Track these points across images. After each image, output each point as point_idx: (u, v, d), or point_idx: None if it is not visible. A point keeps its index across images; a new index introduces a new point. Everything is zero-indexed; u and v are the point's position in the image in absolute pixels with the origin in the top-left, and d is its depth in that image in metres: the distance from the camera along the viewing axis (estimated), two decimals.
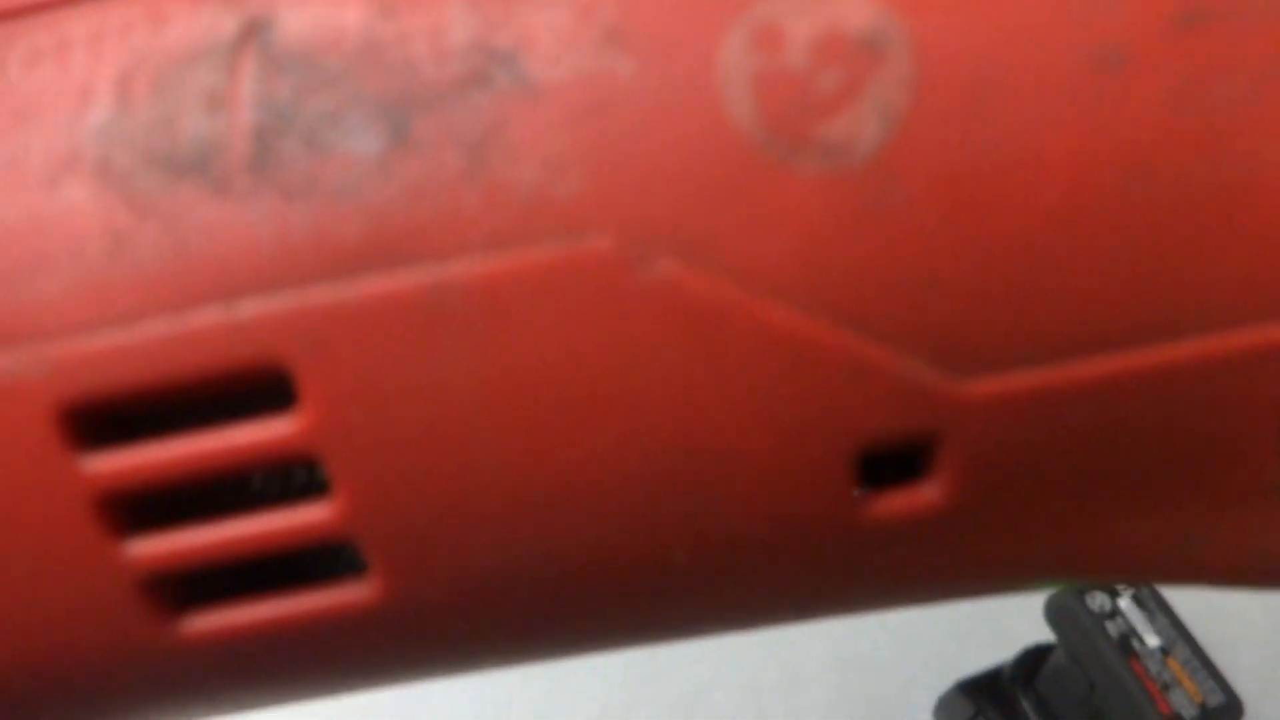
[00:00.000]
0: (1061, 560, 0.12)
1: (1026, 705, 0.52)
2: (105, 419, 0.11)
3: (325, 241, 0.10)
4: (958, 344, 0.10)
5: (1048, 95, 0.10)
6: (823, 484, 0.11)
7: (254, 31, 0.11)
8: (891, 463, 0.11)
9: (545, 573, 0.11)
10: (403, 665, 0.13)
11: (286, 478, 0.12)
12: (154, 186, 0.10)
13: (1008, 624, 0.57)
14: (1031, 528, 0.12)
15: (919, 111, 0.10)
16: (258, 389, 0.11)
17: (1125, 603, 0.50)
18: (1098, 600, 0.50)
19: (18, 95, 0.11)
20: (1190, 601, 0.52)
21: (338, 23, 0.11)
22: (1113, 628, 0.50)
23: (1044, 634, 0.51)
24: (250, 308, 0.10)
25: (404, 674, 0.13)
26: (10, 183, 0.11)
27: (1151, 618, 0.50)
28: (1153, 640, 0.49)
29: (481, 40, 0.10)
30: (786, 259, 0.10)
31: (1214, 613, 0.54)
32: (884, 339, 0.10)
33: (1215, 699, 0.49)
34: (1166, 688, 0.49)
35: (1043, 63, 0.10)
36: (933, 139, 0.10)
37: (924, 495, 0.11)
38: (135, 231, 0.10)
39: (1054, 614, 0.51)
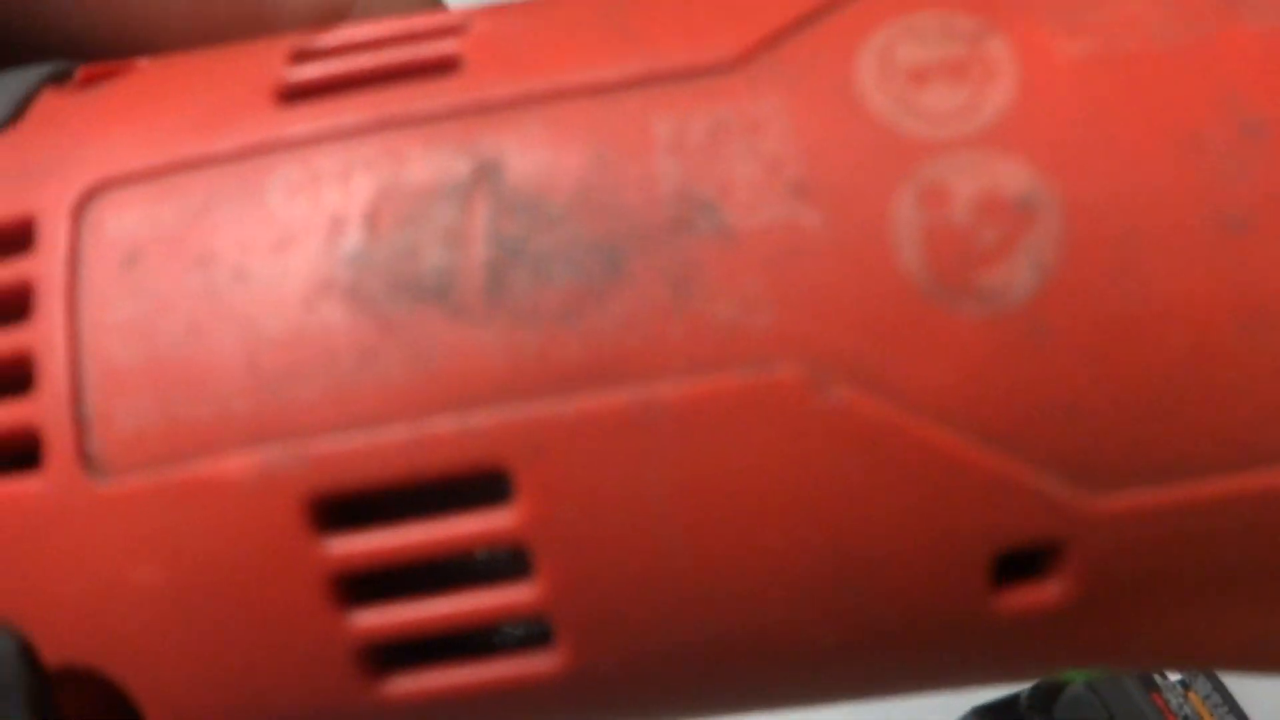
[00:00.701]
0: (1158, 653, 0.14)
1: None
2: (340, 503, 0.12)
3: (548, 361, 0.12)
4: (1092, 464, 0.12)
5: (1179, 253, 0.12)
6: (962, 582, 0.12)
7: (485, 174, 0.12)
8: (1014, 558, 0.13)
9: (710, 651, 0.13)
10: None
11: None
12: (399, 309, 0.12)
13: None
14: (1138, 624, 0.13)
15: (1066, 264, 0.12)
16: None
17: None
18: None
19: (278, 223, 0.12)
20: None
21: (559, 168, 0.12)
22: None
23: None
24: (481, 417, 0.12)
25: None
26: (273, 301, 0.12)
27: None
28: (1174, 673, 0.51)
29: (686, 190, 0.12)
30: (946, 388, 0.12)
31: None
32: (1028, 458, 0.12)
33: None
34: None
35: (1175, 225, 0.12)
36: (1078, 288, 0.12)
37: (1048, 593, 0.13)
38: (382, 348, 0.12)
39: None
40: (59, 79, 0.15)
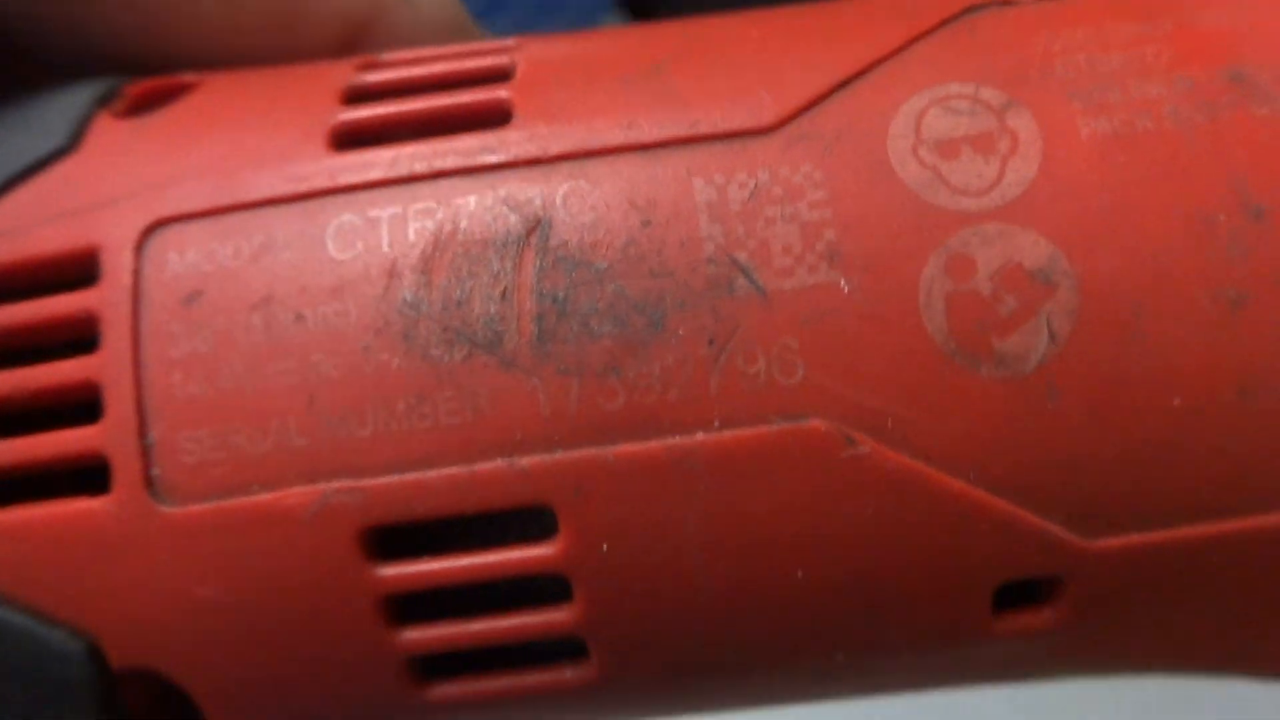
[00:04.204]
0: (1135, 666, 0.15)
1: None
2: (399, 531, 0.13)
3: (591, 410, 0.13)
4: (1091, 511, 0.13)
5: (1183, 325, 0.12)
6: (969, 610, 0.14)
7: (534, 230, 0.13)
8: (1014, 585, 0.14)
9: (730, 666, 0.14)
10: None
11: None
12: (452, 357, 0.13)
13: None
14: (1121, 644, 0.14)
15: (1079, 333, 0.12)
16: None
17: None
18: None
19: (336, 269, 0.13)
20: None
21: (604, 226, 0.13)
22: None
23: None
24: (528, 462, 0.13)
25: None
26: (331, 343, 0.13)
27: None
28: None
29: (725, 252, 0.13)
30: (962, 444, 0.13)
31: None
32: (1034, 506, 0.13)
33: None
34: None
35: (1181, 300, 0.12)
36: (1089, 355, 0.12)
37: (1044, 618, 0.14)
38: (434, 392, 0.13)
39: None
40: (107, 99, 0.15)
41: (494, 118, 0.14)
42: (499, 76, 0.14)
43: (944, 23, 0.14)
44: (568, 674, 0.14)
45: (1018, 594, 0.14)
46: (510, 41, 0.15)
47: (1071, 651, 0.15)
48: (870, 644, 0.14)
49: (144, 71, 0.16)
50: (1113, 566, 0.13)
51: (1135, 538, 0.13)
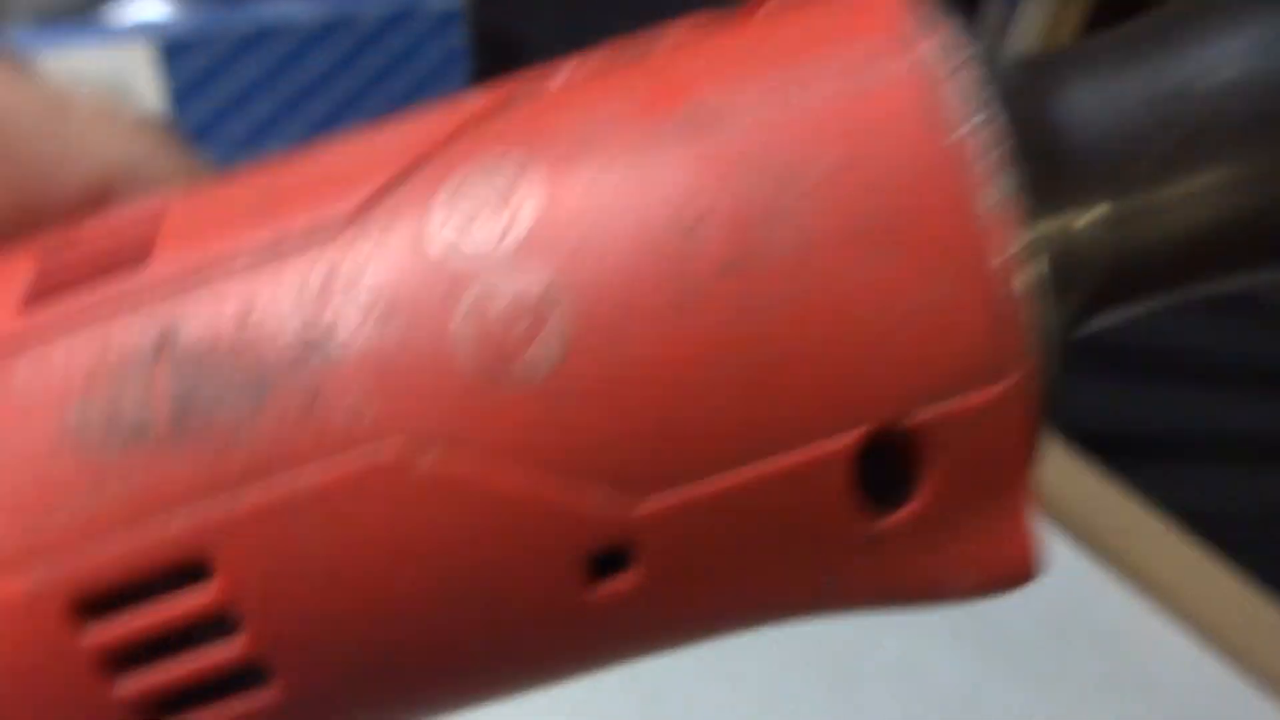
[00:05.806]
0: (741, 614, 0.18)
1: None
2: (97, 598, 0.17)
3: (222, 469, 0.16)
4: (626, 476, 0.16)
5: (646, 323, 0.16)
6: (562, 585, 0.16)
7: (165, 340, 0.17)
8: (606, 558, 0.17)
9: (387, 667, 0.17)
10: None
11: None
12: (113, 449, 0.16)
13: None
14: (705, 597, 0.17)
15: (577, 339, 0.16)
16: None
17: None
18: None
19: (22, 397, 0.17)
20: None
21: (215, 330, 0.17)
22: None
23: None
24: (178, 525, 0.16)
25: None
26: (26, 456, 0.17)
27: None
28: None
29: (302, 334, 0.16)
30: (506, 447, 0.16)
31: None
32: (578, 485, 0.16)
33: None
34: None
35: (643, 304, 0.16)
36: (588, 355, 0.16)
37: (627, 581, 0.17)
38: (105, 479, 0.16)
39: None
40: None
41: (137, 257, 0.18)
42: (152, 220, 0.18)
43: (493, 109, 0.18)
44: (259, 698, 0.17)
45: (612, 568, 0.17)
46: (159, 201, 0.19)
47: (666, 612, 0.17)
48: (493, 639, 0.17)
49: None
50: (665, 523, 0.16)
51: (672, 494, 0.16)
